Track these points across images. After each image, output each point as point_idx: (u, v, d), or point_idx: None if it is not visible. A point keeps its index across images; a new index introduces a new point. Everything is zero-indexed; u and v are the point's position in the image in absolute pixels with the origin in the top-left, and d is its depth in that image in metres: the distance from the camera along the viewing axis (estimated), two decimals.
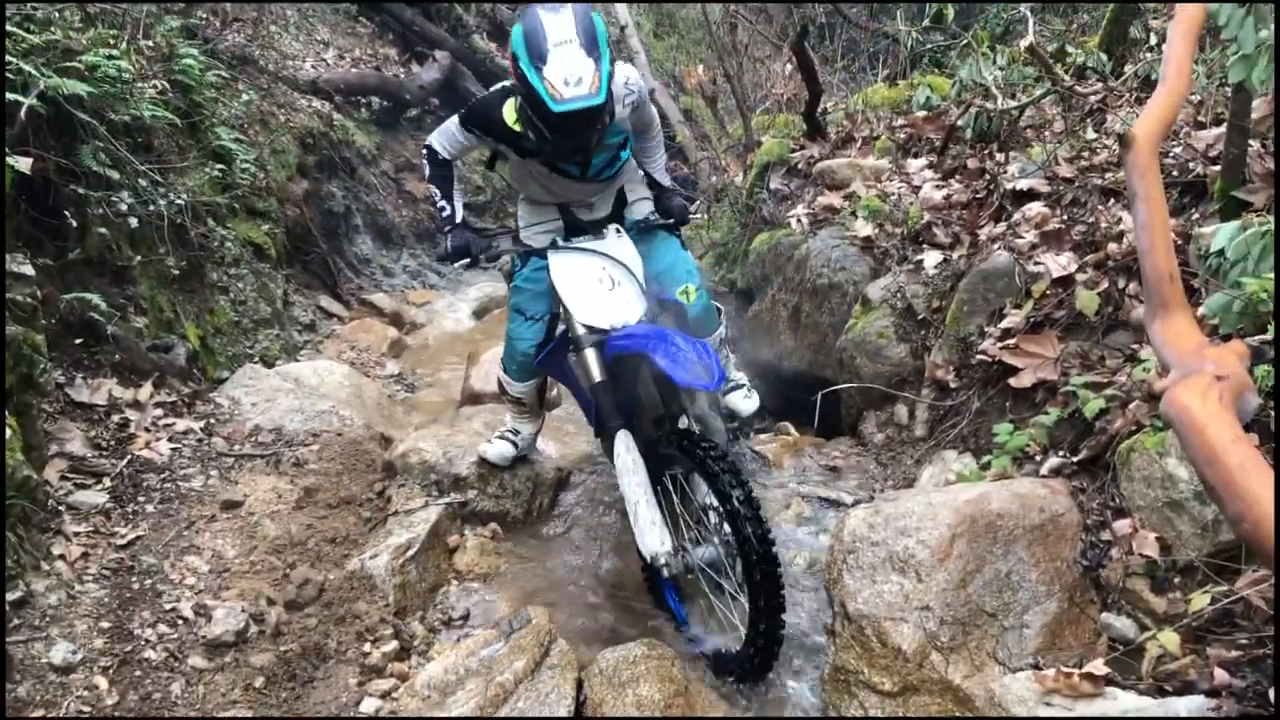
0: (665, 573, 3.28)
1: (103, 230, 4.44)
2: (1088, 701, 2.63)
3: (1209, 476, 1.56)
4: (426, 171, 3.95)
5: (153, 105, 5.13)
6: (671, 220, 4.00)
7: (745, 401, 4.32)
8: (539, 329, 3.98)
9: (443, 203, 3.93)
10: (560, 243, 3.78)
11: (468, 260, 3.79)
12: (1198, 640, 2.83)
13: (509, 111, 3.58)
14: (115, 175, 4.56)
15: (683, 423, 3.64)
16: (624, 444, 3.44)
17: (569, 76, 3.16)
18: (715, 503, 3.25)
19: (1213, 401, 1.61)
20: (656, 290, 3.91)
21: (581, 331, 3.59)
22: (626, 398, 3.64)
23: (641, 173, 4.14)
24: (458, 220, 3.92)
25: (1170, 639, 2.77)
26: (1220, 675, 2.64)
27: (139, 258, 4.71)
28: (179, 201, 4.98)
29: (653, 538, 3.22)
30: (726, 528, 3.22)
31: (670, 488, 3.49)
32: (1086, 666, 2.75)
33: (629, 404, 3.65)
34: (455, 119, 3.82)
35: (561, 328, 3.87)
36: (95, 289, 4.34)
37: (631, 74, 3.72)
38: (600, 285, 3.63)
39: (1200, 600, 2.80)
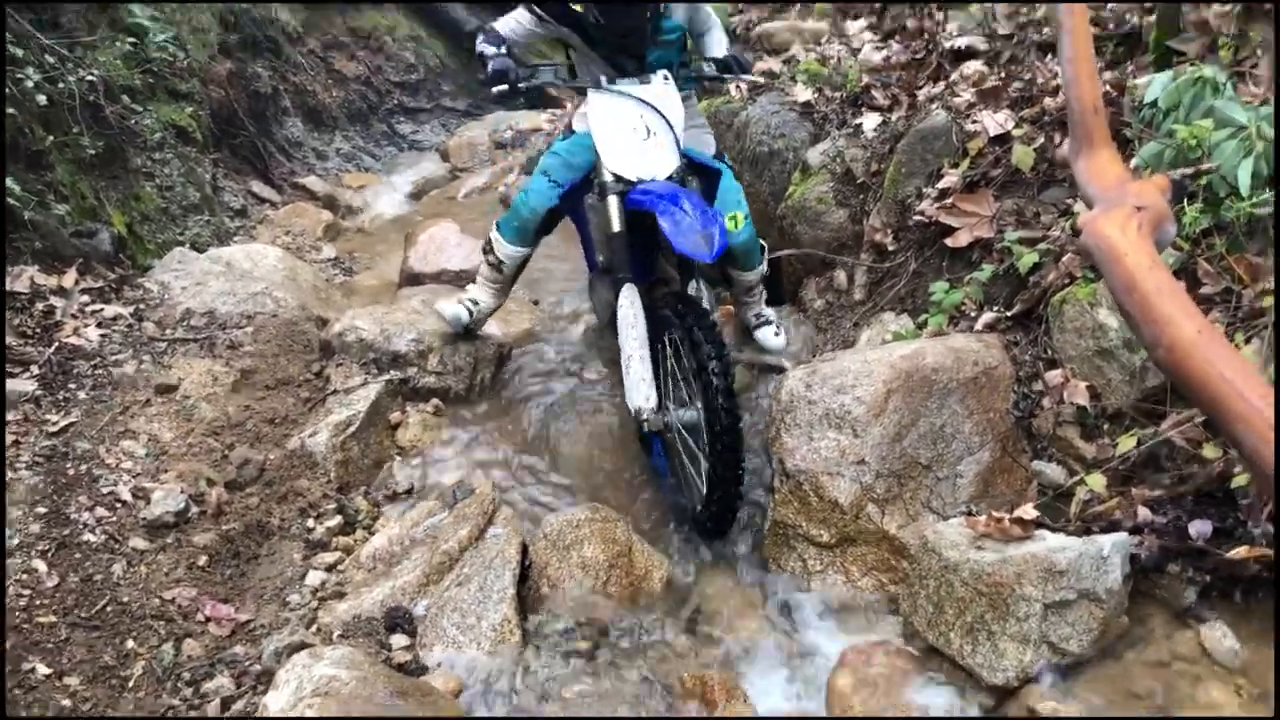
0: (645, 427, 3.37)
1: (11, 111, 4.24)
2: (1018, 544, 2.70)
3: (1127, 304, 1.57)
4: (488, 51, 3.85)
5: None
6: (741, 72, 3.99)
7: (775, 339, 4.34)
8: (556, 195, 3.91)
9: (490, 49, 3.85)
10: (605, 82, 3.71)
11: (506, 86, 3.71)
12: (1124, 483, 2.92)
13: None
14: (19, 52, 4.34)
15: (691, 288, 3.61)
16: (628, 297, 3.51)
17: None
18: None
19: (1132, 231, 1.62)
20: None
21: (608, 178, 3.56)
22: (640, 252, 3.61)
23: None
24: (501, 50, 3.85)
25: (1097, 480, 2.85)
26: (1143, 513, 2.73)
27: (52, 138, 4.52)
28: (90, 78, 4.76)
29: (639, 393, 3.33)
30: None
31: (668, 347, 3.50)
32: (1017, 511, 2.82)
33: (640, 258, 3.63)
34: (521, 4, 3.89)
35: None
36: (9, 174, 4.17)
37: None
38: (635, 134, 3.59)
39: (1127, 443, 2.88)
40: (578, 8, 3.74)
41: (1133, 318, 1.58)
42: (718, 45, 4.18)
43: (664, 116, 3.61)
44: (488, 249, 4.17)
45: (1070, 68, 1.89)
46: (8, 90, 4.24)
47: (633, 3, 3.57)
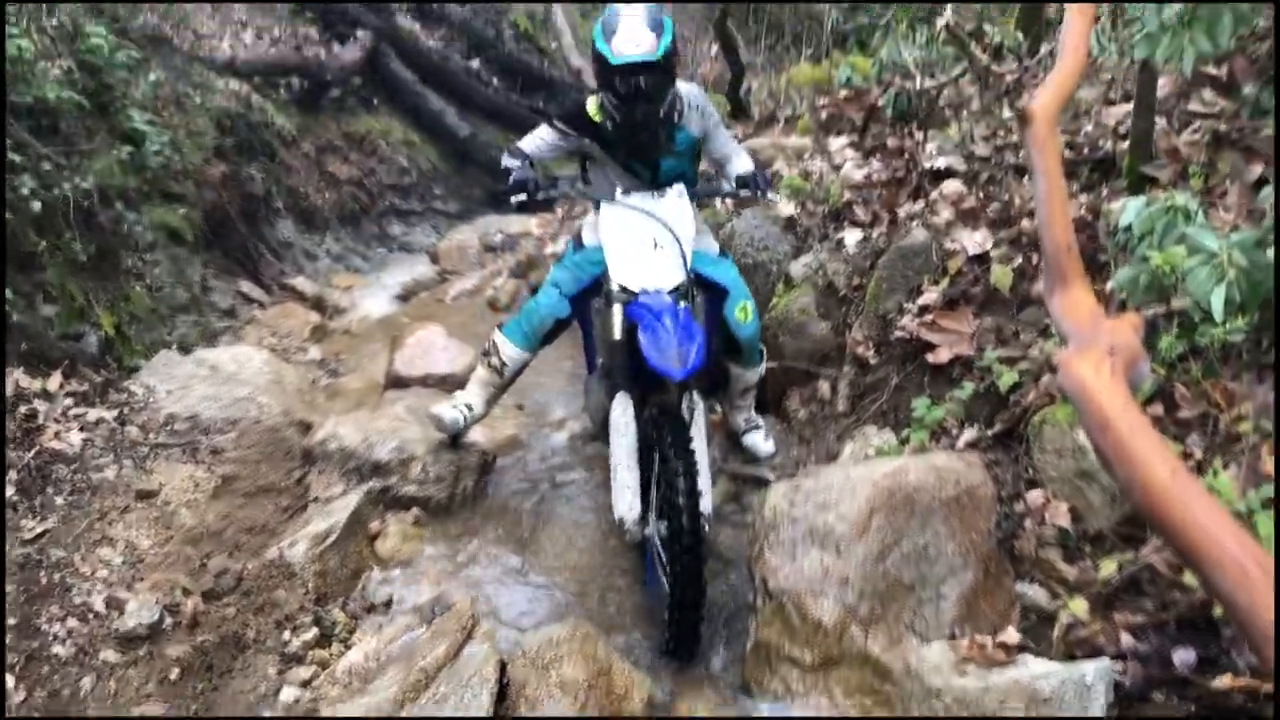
0: (626, 538, 3.44)
1: (6, 215, 4.29)
2: (1001, 669, 2.68)
3: (1101, 444, 1.59)
4: (512, 164, 4.02)
5: (58, 86, 4.96)
6: (758, 189, 4.02)
7: (764, 444, 4.45)
8: (565, 307, 4.02)
9: (514, 162, 4.03)
10: (620, 195, 3.81)
11: (525, 196, 3.84)
12: (1106, 607, 2.90)
13: (591, 104, 3.97)
14: (17, 159, 4.41)
15: (686, 400, 3.64)
16: (621, 406, 3.61)
17: (630, 39, 3.61)
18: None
19: (1105, 372, 1.64)
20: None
21: (615, 288, 3.64)
22: (639, 360, 3.61)
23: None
24: (524, 164, 4.02)
25: (1079, 606, 2.84)
26: (1126, 640, 2.71)
27: (45, 242, 4.56)
28: (85, 185, 4.82)
29: (622, 502, 3.39)
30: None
31: (658, 459, 3.50)
32: (1000, 635, 2.81)
33: (639, 367, 3.63)
34: (544, 120, 4.13)
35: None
36: None
37: (694, 89, 4.12)
38: (643, 245, 3.67)
39: (1109, 567, 2.88)
40: (596, 116, 3.91)
41: (1107, 458, 1.59)
42: (742, 168, 4.24)
43: (673, 231, 3.69)
44: (489, 351, 4.21)
45: (1044, 207, 1.94)
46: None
47: (646, 102, 3.72)
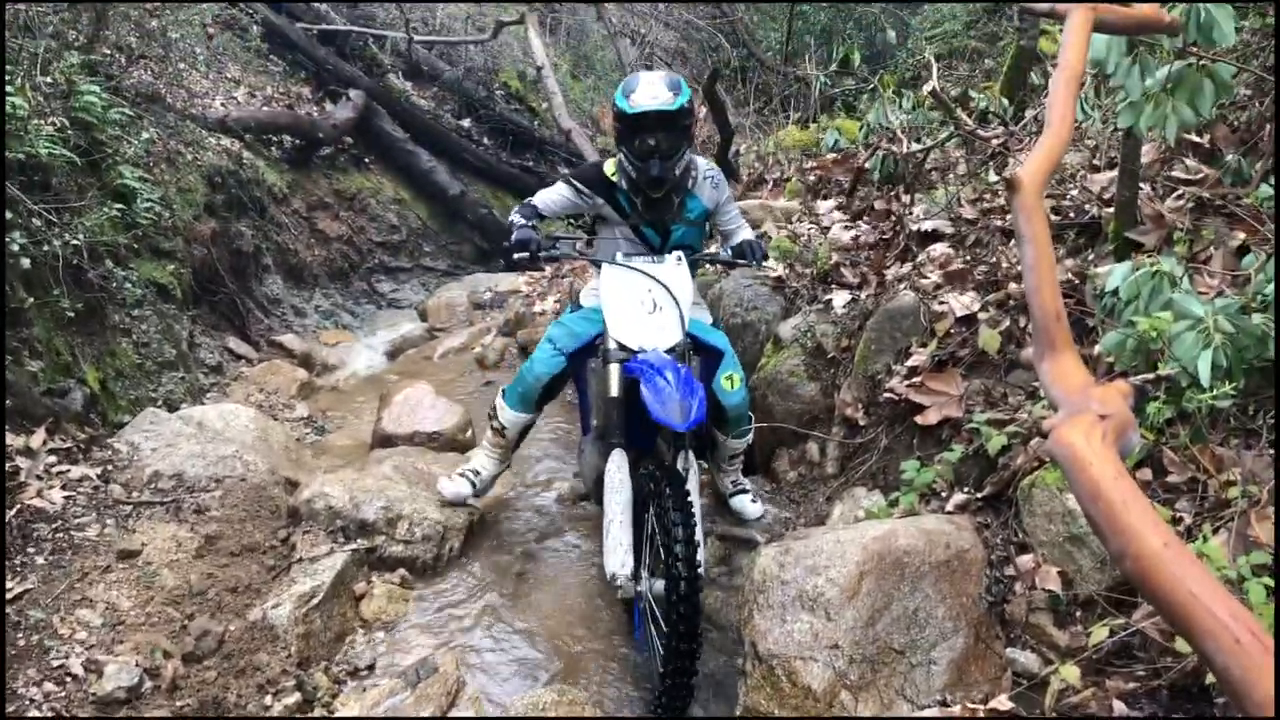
0: (618, 594, 3.41)
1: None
2: None
3: (1093, 514, 1.58)
4: (517, 221, 4.06)
5: (51, 143, 4.98)
6: (751, 259, 4.11)
7: (752, 506, 4.44)
8: (560, 363, 4.07)
9: (520, 219, 4.07)
10: (621, 257, 3.88)
11: (527, 255, 3.90)
12: (1098, 673, 2.88)
13: (609, 165, 4.11)
14: (8, 215, 4.41)
15: (680, 460, 3.64)
16: (616, 463, 3.63)
17: (648, 94, 3.81)
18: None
19: (1096, 440, 1.64)
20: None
21: (613, 346, 3.71)
22: (635, 419, 3.68)
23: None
24: (530, 222, 4.08)
25: (1071, 672, 2.81)
26: (1119, 707, 2.69)
27: (32, 299, 4.55)
28: (75, 242, 4.82)
29: (615, 558, 3.39)
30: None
31: (652, 516, 3.50)
32: (991, 702, 2.78)
33: (635, 426, 3.71)
34: (561, 179, 4.26)
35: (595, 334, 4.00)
36: None
37: (710, 163, 4.28)
38: (642, 306, 3.74)
39: (1100, 633, 2.86)
40: (613, 177, 4.03)
41: (1098, 526, 1.59)
42: (740, 230, 4.36)
43: (671, 293, 3.73)
44: (492, 414, 4.31)
45: (1032, 275, 1.95)
46: None
47: (662, 159, 3.84)
